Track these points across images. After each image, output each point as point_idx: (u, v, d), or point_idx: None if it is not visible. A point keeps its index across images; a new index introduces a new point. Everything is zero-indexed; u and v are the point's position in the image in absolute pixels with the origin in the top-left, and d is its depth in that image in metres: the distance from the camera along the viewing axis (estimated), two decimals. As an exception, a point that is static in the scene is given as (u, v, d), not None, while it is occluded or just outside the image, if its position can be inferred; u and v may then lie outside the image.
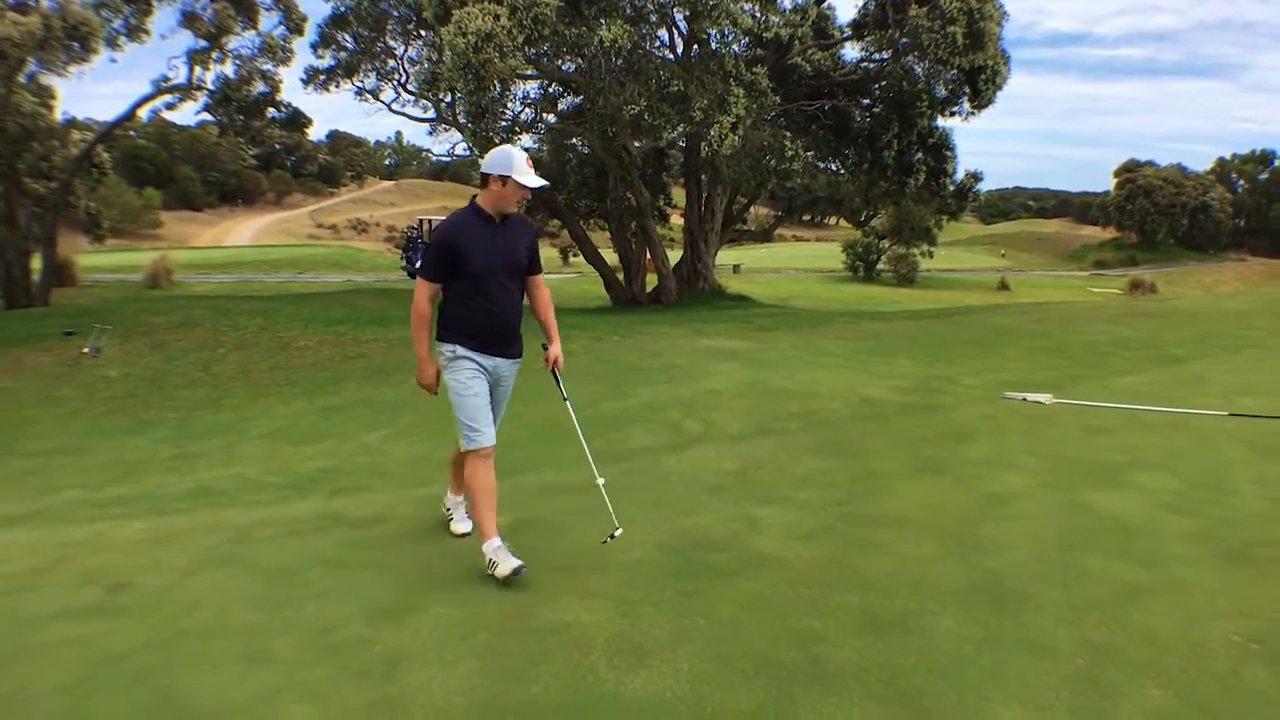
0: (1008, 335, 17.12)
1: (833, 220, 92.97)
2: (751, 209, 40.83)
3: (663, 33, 24.17)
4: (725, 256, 61.45)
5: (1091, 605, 5.28)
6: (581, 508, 6.95)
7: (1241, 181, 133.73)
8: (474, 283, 5.83)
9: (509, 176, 5.76)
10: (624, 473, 7.96)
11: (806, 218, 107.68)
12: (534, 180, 5.82)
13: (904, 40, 24.43)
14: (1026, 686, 4.42)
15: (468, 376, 5.90)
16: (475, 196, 5.98)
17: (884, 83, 27.34)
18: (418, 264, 7.01)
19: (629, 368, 13.13)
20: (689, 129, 22.48)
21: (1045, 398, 10.63)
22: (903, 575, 5.68)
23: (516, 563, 5.65)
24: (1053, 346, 15.57)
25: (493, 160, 5.83)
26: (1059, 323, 19.25)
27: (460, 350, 5.91)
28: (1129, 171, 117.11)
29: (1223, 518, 6.83)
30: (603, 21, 20.52)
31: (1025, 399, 10.60)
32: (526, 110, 28.72)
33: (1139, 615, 5.17)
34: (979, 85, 26.47)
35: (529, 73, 24.81)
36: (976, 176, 31.11)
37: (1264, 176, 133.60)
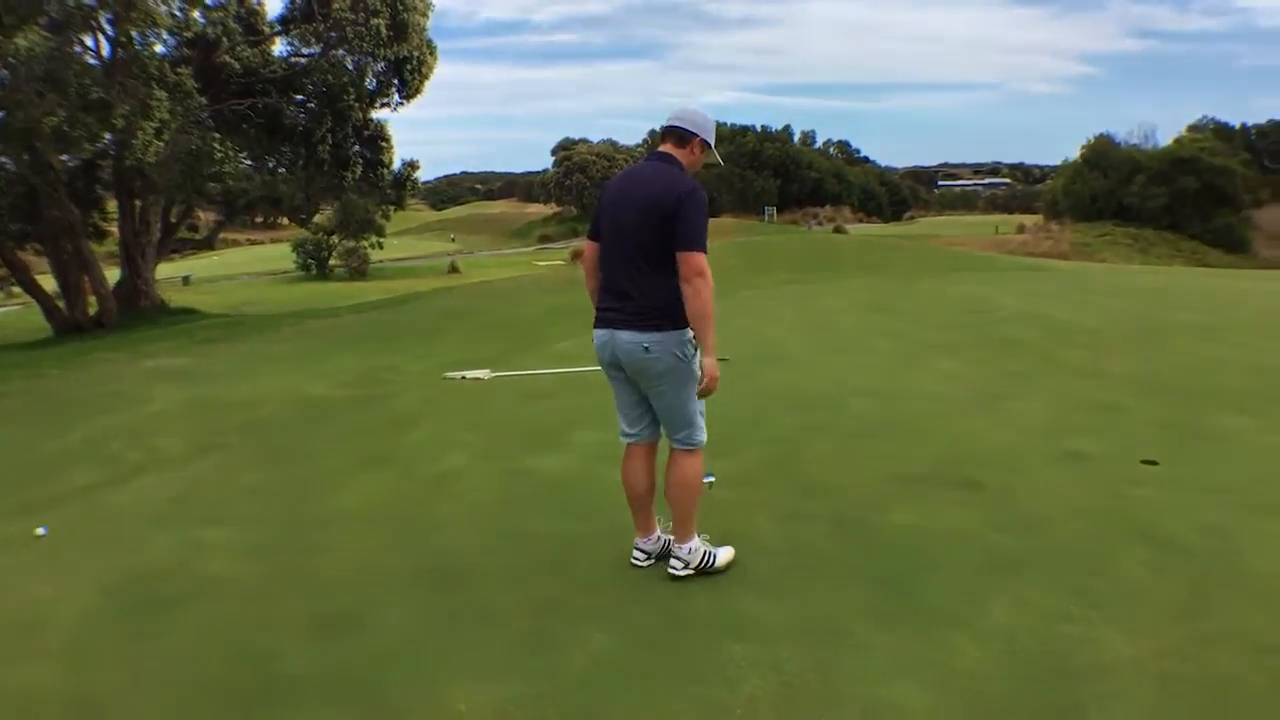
0: (452, 317, 17.49)
1: (286, 220, 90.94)
2: (203, 216, 39.21)
3: (90, 38, 22.57)
4: (174, 269, 58.85)
5: (534, 565, 5.49)
6: (20, 563, 6.35)
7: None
8: None
9: (710, 146, 5.14)
10: (65, 518, 7.31)
11: (260, 219, 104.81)
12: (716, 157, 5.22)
13: (332, 34, 24.24)
14: (478, 657, 4.51)
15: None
16: (669, 155, 5.05)
17: (316, 77, 26.96)
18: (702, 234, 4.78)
19: (69, 401, 12.23)
20: (115, 138, 21.15)
21: (484, 373, 10.94)
22: (352, 572, 5.62)
23: (730, 549, 5.36)
24: (495, 323, 16.10)
25: (703, 122, 5.09)
26: (501, 299, 19.93)
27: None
28: (565, 150, 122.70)
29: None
30: (24, 29, 18.89)
31: (465, 377, 10.85)
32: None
33: (581, 566, 5.45)
34: (406, 76, 26.74)
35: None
36: (414, 165, 31.41)
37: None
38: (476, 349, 13.22)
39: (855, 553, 5.43)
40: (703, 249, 4.76)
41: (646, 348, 4.90)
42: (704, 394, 4.94)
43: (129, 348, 16.93)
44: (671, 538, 5.33)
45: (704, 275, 4.71)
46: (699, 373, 4.93)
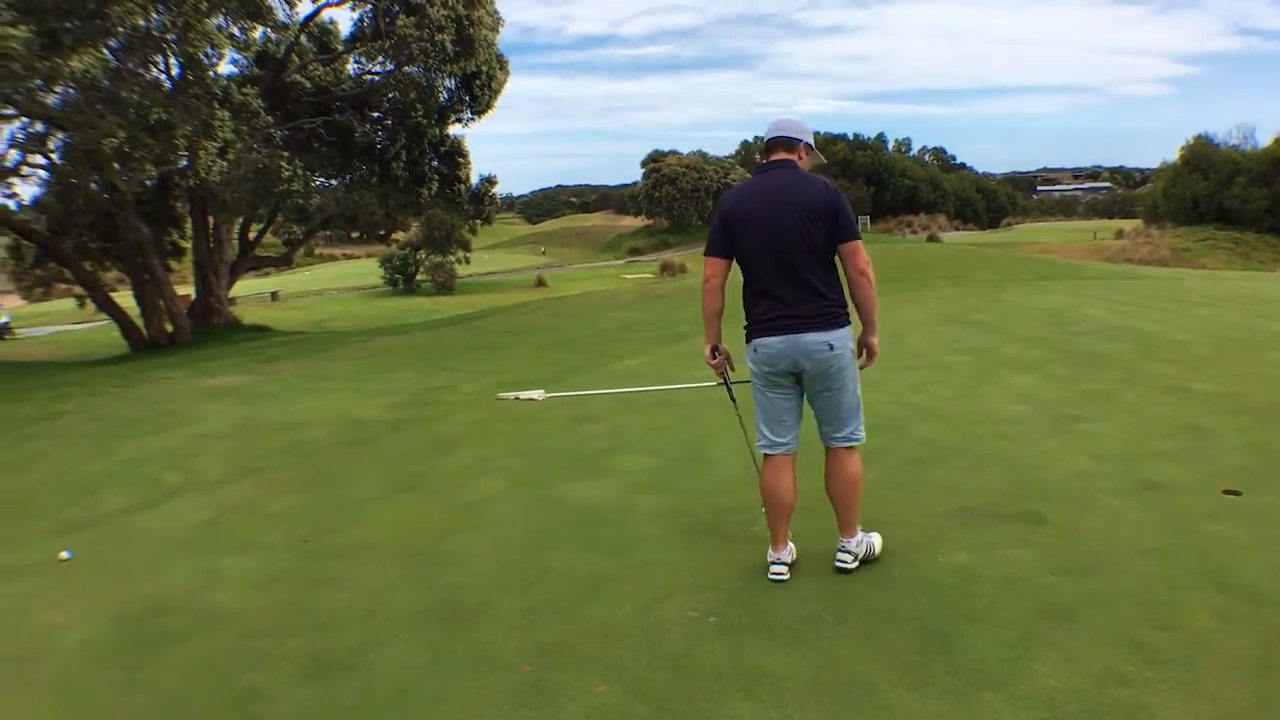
0: (520, 334, 17.26)
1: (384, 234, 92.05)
2: (296, 230, 39.51)
3: (161, 59, 22.62)
4: (265, 284, 59.67)
5: (548, 606, 5.15)
6: (38, 589, 6.21)
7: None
8: None
9: (812, 147, 5.42)
10: (92, 542, 7.15)
11: (356, 235, 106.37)
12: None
13: (406, 52, 24.20)
14: (468, 706, 4.18)
15: None
16: (791, 162, 5.28)
17: (392, 94, 26.94)
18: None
19: (122, 421, 12.11)
20: (175, 159, 21.14)
21: (538, 394, 10.62)
22: (358, 608, 5.34)
23: (877, 534, 5.59)
24: (560, 340, 15.79)
25: (800, 126, 5.38)
26: (573, 315, 19.63)
27: None
28: (654, 162, 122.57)
29: (695, 489, 6.97)
30: (79, 51, 18.93)
31: (517, 398, 10.55)
32: (14, 152, 26.08)
33: (597, 607, 5.08)
34: (476, 91, 26.66)
35: (8, 111, 22.63)
36: (492, 181, 31.39)
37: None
38: (536, 367, 12.93)
39: (895, 597, 4.97)
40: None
41: (831, 345, 5.09)
42: (864, 367, 5.31)
43: (192, 365, 16.92)
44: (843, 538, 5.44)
45: (869, 263, 5.08)
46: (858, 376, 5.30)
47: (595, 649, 4.61)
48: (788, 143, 5.28)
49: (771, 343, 5.16)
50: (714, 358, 5.54)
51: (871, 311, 5.17)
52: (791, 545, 5.49)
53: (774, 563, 5.38)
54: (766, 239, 5.11)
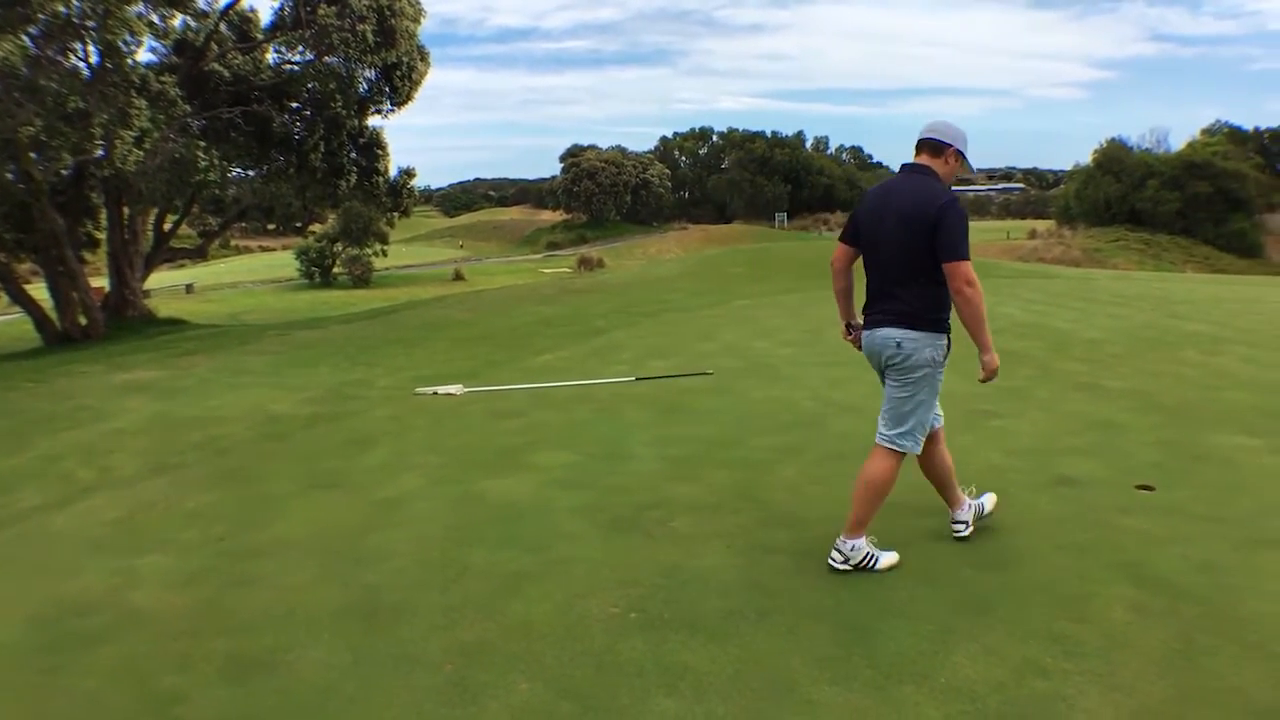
0: (437, 328, 17.14)
1: (300, 226, 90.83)
2: (211, 221, 38.89)
3: (81, 46, 22.20)
4: (180, 276, 58.76)
5: (468, 604, 5.11)
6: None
7: (684, 157, 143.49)
8: None
9: (964, 155, 5.37)
10: (6, 541, 6.99)
11: (272, 226, 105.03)
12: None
13: (326, 42, 23.94)
14: (390, 707, 4.14)
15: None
16: (925, 167, 5.28)
17: (311, 85, 26.62)
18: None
19: (36, 416, 11.88)
20: (91, 148, 20.76)
21: (456, 388, 10.56)
22: (277, 607, 5.25)
23: (894, 554, 5.43)
24: (478, 335, 15.72)
25: (955, 133, 5.32)
26: (491, 310, 19.55)
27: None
28: (573, 156, 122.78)
29: (614, 485, 6.97)
30: (-1, 38, 18.51)
31: (436, 392, 10.48)
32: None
33: (517, 605, 5.06)
34: (396, 82, 26.43)
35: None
36: (410, 173, 31.03)
37: (704, 151, 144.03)
38: (453, 362, 12.85)
39: (815, 592, 5.03)
40: (966, 257, 5.01)
41: (899, 343, 5.16)
42: (985, 380, 5.27)
43: (106, 360, 16.62)
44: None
45: (973, 283, 4.98)
46: (940, 381, 5.30)
47: (517, 647, 4.59)
48: (933, 146, 5.29)
49: (864, 335, 5.42)
50: (849, 334, 5.71)
51: (977, 330, 5.08)
52: (968, 501, 5.77)
53: (952, 521, 5.72)
54: (869, 239, 5.32)
